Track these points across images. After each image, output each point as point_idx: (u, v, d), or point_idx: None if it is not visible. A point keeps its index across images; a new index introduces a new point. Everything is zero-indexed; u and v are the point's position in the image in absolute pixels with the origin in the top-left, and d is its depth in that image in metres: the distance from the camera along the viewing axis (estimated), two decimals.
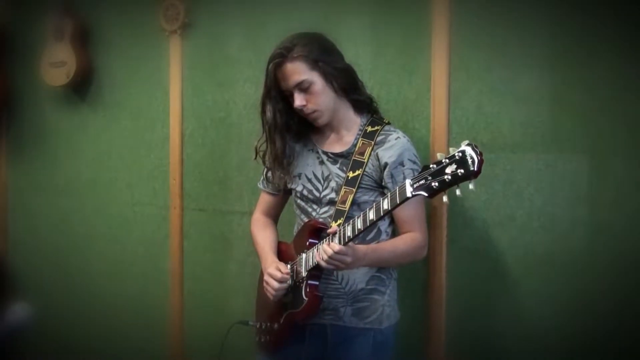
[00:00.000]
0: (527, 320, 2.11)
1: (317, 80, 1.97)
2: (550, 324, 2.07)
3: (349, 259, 1.82)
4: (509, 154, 2.11)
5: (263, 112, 2.05)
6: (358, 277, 2.01)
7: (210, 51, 2.76)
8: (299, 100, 1.97)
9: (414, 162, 1.98)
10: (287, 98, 2.03)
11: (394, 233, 2.06)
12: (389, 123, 2.06)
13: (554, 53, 2.06)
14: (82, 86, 3.10)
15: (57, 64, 3.04)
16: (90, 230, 3.16)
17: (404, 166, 1.96)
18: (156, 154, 2.93)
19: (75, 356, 3.15)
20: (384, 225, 2.03)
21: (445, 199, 1.64)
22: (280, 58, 1.96)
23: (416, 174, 1.93)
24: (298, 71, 1.96)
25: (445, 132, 2.19)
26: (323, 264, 1.83)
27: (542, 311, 2.09)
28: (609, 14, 1.97)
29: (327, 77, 1.98)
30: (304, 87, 1.96)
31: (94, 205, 3.14)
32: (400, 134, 2.01)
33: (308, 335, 2.03)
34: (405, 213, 1.98)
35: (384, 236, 2.03)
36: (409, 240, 1.99)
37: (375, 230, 2.02)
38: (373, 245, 1.98)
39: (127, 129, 3.02)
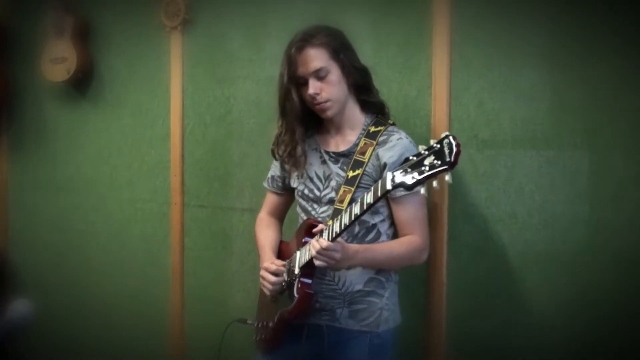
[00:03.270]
0: (528, 317, 2.11)
1: (334, 71, 1.96)
2: (551, 321, 2.08)
3: (337, 255, 1.81)
4: (509, 151, 2.12)
5: (286, 99, 1.99)
6: (355, 279, 2.00)
7: (211, 48, 2.76)
8: (313, 87, 1.95)
9: None
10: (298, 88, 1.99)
11: (395, 235, 2.04)
12: (393, 124, 2.05)
13: (555, 50, 2.06)
14: (82, 82, 3.09)
15: (57, 60, 3.04)
16: (91, 227, 3.16)
17: None
18: (157, 151, 2.93)
19: (76, 353, 3.16)
20: (384, 227, 2.02)
21: (422, 190, 1.63)
22: (302, 42, 1.93)
23: None
24: (319, 57, 1.93)
25: (446, 129, 2.19)
26: (315, 261, 1.83)
27: (542, 308, 2.09)
28: (609, 12, 1.97)
29: (344, 70, 1.97)
30: (322, 76, 1.94)
31: (94, 201, 3.14)
32: (403, 134, 2.00)
33: (305, 335, 2.01)
34: (404, 215, 1.97)
35: (384, 237, 2.02)
36: (407, 243, 1.98)
37: (374, 232, 2.00)
38: (366, 245, 1.97)
39: (128, 125, 3.02)
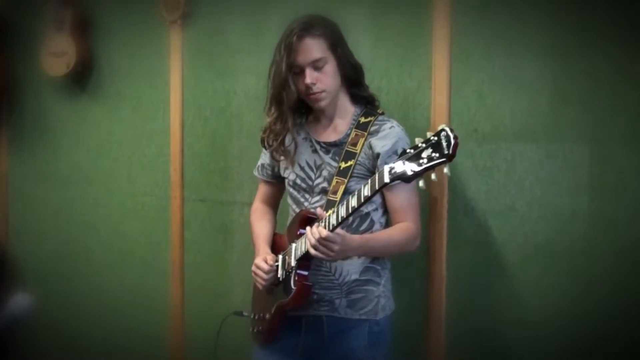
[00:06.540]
0: (527, 310, 2.11)
1: (331, 62, 1.97)
2: (550, 314, 2.08)
3: (336, 247, 1.80)
4: (509, 144, 2.11)
5: (283, 87, 1.98)
6: (352, 268, 2.01)
7: (210, 40, 2.75)
8: (310, 77, 1.95)
9: None
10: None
11: (388, 223, 2.05)
12: (382, 114, 2.05)
13: (555, 42, 2.05)
14: (82, 76, 3.09)
15: (57, 53, 3.03)
16: (91, 220, 3.16)
17: (397, 155, 1.95)
18: (157, 144, 2.93)
19: (76, 345, 3.16)
20: (377, 215, 2.02)
21: (421, 183, 1.64)
22: (302, 31, 1.93)
23: None
24: (318, 48, 1.94)
25: (446, 122, 2.18)
26: (312, 250, 1.82)
27: (542, 301, 2.09)
28: (609, 4, 1.97)
29: (340, 63, 1.98)
30: (319, 66, 1.95)
31: (94, 195, 3.14)
32: (395, 123, 2.01)
33: (304, 327, 2.03)
34: (398, 202, 1.97)
35: (377, 226, 2.02)
36: (403, 230, 1.98)
37: (368, 221, 2.01)
38: (367, 236, 1.97)
39: (128, 119, 3.01)
